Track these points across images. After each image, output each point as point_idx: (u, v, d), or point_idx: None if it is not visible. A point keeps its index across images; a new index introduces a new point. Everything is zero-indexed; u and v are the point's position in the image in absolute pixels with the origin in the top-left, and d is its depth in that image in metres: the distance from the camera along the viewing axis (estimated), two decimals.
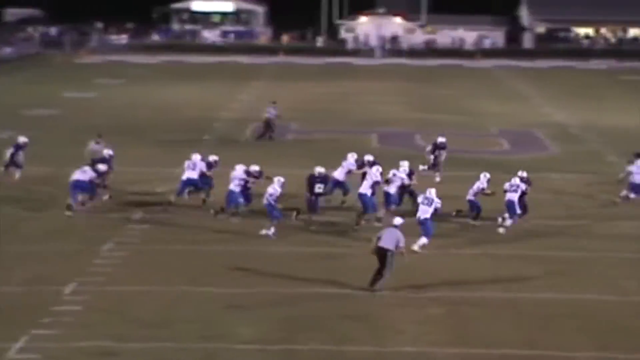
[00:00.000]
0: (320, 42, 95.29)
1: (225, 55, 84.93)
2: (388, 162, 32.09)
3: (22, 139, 33.97)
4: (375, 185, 28.42)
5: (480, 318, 21.03)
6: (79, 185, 29.06)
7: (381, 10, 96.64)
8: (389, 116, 50.65)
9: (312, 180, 28.60)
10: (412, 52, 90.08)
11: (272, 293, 22.30)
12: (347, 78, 70.42)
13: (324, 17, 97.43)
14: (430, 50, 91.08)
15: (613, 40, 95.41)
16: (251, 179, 28.86)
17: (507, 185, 28.11)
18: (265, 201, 26.90)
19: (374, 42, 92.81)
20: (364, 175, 29.46)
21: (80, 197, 29.29)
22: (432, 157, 34.14)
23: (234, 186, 28.33)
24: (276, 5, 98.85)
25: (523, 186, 28.10)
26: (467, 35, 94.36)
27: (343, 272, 23.75)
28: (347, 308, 21.41)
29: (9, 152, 33.57)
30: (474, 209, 28.40)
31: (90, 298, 21.69)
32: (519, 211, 27.82)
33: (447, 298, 22.21)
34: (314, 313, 21.12)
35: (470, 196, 28.44)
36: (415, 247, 25.28)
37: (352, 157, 30.80)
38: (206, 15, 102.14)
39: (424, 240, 25.67)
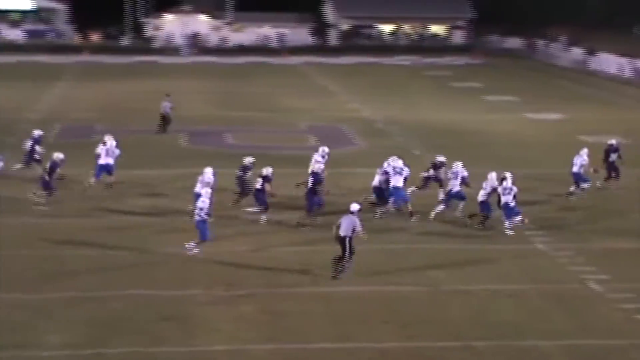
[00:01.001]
0: (125, 40, 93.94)
1: (26, 55, 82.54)
2: (199, 161, 32.00)
3: (37, 132, 34.48)
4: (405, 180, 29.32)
5: (293, 313, 21.29)
6: None
7: (187, 8, 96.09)
8: (198, 114, 50.47)
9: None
10: (220, 50, 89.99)
11: (83, 298, 21.93)
12: (154, 77, 69.68)
13: (129, 15, 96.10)
14: (237, 47, 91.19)
15: (415, 36, 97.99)
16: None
17: (500, 189, 28.08)
18: (197, 217, 25.12)
19: (180, 40, 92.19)
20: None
21: None
22: (425, 175, 31.37)
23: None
24: (79, 3, 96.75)
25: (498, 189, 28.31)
26: (273, 33, 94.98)
27: (156, 274, 23.61)
28: (160, 309, 21.28)
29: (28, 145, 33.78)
30: (485, 210, 28.35)
31: None
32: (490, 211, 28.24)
33: (260, 294, 22.38)
34: (125, 315, 20.90)
35: (482, 197, 28.44)
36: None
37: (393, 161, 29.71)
38: (4, 13, 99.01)
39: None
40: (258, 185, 28.63)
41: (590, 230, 28.69)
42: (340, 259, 23.55)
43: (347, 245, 23.45)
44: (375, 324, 20.82)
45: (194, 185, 28.25)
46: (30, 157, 33.87)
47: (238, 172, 30.09)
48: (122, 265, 24.40)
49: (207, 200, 25.35)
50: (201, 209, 25.07)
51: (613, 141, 34.49)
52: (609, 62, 76.47)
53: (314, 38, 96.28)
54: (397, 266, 24.85)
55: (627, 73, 72.53)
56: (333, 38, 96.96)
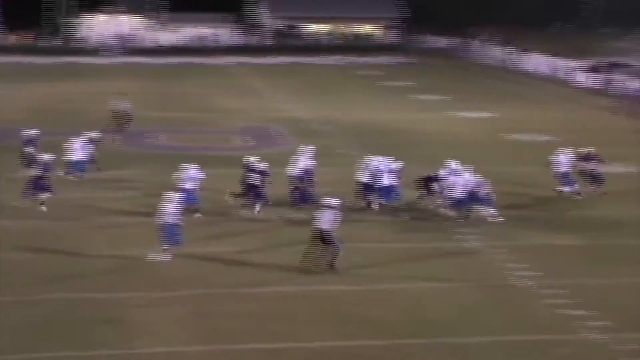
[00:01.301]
0: (56, 41, 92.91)
1: None
2: (132, 162, 31.85)
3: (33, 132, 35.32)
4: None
5: (228, 314, 21.34)
6: None
7: (119, 8, 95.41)
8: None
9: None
10: (152, 51, 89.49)
11: (13, 302, 21.72)
12: (84, 78, 69.06)
13: (58, 15, 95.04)
14: (170, 48, 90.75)
15: (347, 36, 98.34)
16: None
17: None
18: (169, 220, 24.70)
19: (112, 40, 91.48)
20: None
21: None
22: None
23: (191, 186, 28.68)
24: (10, 3, 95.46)
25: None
26: (206, 33, 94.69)
27: (91, 277, 23.48)
28: (95, 312, 21.18)
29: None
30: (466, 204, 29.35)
31: None
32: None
33: (195, 296, 22.39)
34: (58, 319, 20.75)
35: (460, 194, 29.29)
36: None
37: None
38: None
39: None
40: (256, 182, 29.40)
41: (523, 227, 29.12)
42: (322, 252, 24.07)
43: (328, 239, 23.97)
44: (309, 324, 20.93)
45: (129, 187, 28.13)
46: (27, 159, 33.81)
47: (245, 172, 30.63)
48: (55, 268, 24.21)
49: (179, 205, 25.09)
50: (173, 214, 24.77)
51: (588, 150, 34.18)
52: (540, 62, 77.55)
53: (247, 38, 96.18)
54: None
55: (558, 72, 73.59)
56: (266, 38, 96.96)
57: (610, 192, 33.00)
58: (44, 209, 29.62)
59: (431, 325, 20.96)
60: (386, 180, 30.36)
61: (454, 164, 30.61)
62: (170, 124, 47.23)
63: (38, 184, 29.84)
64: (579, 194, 32.52)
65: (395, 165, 30.77)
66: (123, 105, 44.85)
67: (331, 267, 24.12)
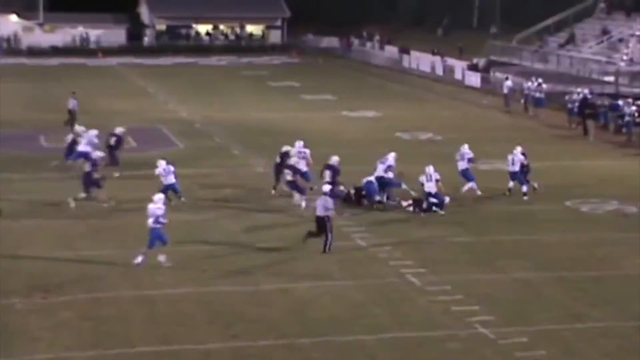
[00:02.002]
0: None
1: None
2: (11, 165, 31.12)
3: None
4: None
5: (114, 318, 21.02)
6: None
7: None
8: (9, 118, 49.04)
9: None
10: (32, 52, 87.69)
11: None
12: None
13: None
14: (50, 49, 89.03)
15: (232, 36, 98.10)
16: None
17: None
18: (155, 225, 24.46)
19: None
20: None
21: None
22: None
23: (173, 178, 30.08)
24: None
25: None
26: (89, 34, 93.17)
27: None
28: None
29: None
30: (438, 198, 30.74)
31: None
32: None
33: (80, 300, 21.99)
34: None
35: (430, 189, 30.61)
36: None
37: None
38: None
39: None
40: (289, 177, 30.94)
41: (409, 225, 29.44)
42: (318, 235, 25.90)
43: (326, 224, 25.73)
44: (198, 325, 20.78)
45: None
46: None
47: (277, 160, 32.68)
48: None
49: (163, 206, 24.86)
50: (160, 215, 24.53)
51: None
52: (422, 60, 78.57)
53: (129, 39, 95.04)
54: (218, 267, 24.84)
55: (438, 71, 74.67)
56: (149, 38, 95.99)
57: (486, 189, 33.45)
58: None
59: (318, 324, 21.00)
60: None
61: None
62: (50, 126, 46.22)
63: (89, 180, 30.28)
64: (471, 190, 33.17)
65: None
66: (72, 103, 46.71)
67: (324, 251, 25.93)
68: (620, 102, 47.60)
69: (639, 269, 25.26)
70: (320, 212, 25.96)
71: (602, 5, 73.65)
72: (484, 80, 66.23)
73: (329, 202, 26.11)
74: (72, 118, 45.43)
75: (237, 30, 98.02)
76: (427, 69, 76.44)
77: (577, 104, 48.78)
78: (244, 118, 50.95)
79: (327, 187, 27.00)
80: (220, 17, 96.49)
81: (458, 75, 70.92)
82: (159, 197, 25.27)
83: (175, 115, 51.88)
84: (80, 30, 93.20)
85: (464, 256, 26.31)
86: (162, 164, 30.49)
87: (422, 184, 30.92)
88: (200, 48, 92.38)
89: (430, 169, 30.96)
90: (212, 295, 22.71)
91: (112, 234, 27.68)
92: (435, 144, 39.71)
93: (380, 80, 72.16)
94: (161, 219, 24.52)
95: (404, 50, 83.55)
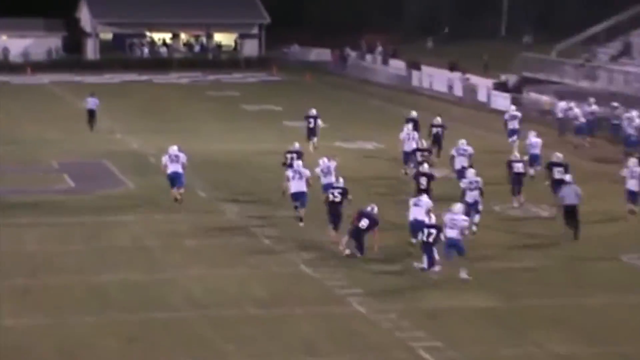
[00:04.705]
0: None
1: None
2: None
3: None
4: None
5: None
6: None
7: None
8: None
9: None
10: None
11: None
12: None
13: None
14: None
15: (196, 47, 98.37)
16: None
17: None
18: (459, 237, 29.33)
19: None
20: None
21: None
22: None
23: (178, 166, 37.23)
24: None
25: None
26: (13, 44, 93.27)
27: None
28: None
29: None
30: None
31: None
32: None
33: None
34: None
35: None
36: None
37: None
38: None
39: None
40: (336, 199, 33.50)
41: (419, 286, 29.41)
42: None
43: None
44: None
45: None
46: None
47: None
48: None
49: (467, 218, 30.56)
50: (463, 227, 29.64)
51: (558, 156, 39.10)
52: (436, 78, 78.75)
53: (66, 50, 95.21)
54: (162, 293, 24.77)
55: (456, 91, 74.86)
56: (92, 50, 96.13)
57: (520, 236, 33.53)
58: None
59: None
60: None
61: None
62: None
63: None
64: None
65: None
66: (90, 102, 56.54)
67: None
68: None
69: None
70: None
71: None
72: (514, 102, 66.32)
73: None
74: (92, 118, 56.07)
75: (203, 39, 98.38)
76: (443, 88, 76.68)
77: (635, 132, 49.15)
78: (211, 150, 50.85)
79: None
80: (181, 23, 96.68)
81: (482, 97, 71.16)
82: (459, 207, 29.84)
83: (123, 147, 51.80)
84: (2, 39, 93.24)
85: (490, 325, 26.20)
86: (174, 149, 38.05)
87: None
88: (156, 62, 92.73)
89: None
90: (157, 321, 22.63)
91: None
92: (453, 184, 39.39)
93: (382, 103, 72.28)
94: (465, 231, 29.49)
95: (414, 65, 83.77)
